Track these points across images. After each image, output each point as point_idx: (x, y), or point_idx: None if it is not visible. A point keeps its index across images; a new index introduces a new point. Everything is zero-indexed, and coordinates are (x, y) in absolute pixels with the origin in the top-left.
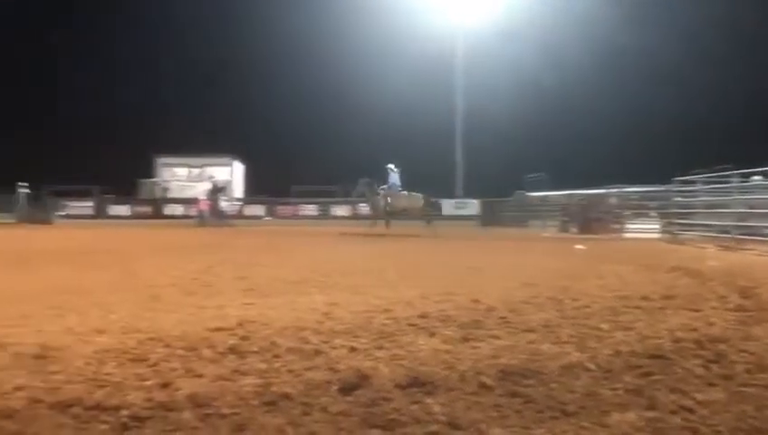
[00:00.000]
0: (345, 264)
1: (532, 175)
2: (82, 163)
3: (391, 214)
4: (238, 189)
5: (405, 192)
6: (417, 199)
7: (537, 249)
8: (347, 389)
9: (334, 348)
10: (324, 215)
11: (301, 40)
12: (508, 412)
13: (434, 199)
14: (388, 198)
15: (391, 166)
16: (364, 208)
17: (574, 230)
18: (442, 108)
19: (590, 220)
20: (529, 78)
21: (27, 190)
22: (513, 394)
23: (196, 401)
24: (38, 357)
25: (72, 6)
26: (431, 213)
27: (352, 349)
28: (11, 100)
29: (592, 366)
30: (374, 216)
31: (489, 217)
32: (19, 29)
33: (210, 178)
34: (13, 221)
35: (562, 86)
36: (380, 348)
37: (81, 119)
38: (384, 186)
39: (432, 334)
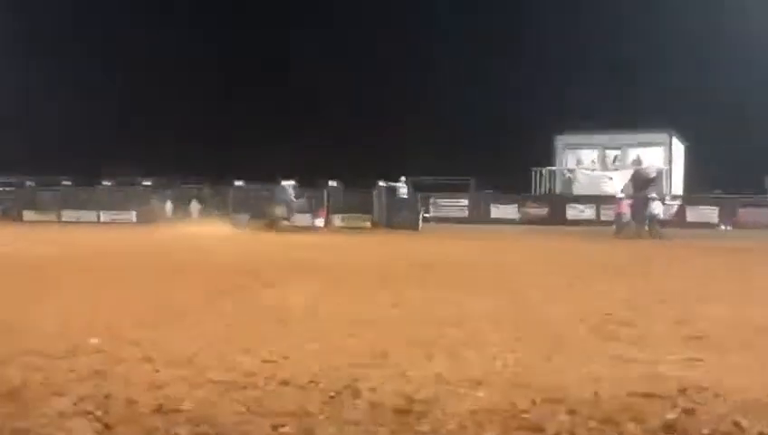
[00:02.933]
0: None
1: None
2: (455, 150)
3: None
4: (677, 181)
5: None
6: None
7: None
8: None
9: None
10: None
11: None
12: None
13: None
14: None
15: (291, 182)
16: None
17: None
18: None
19: None
20: None
21: (400, 185)
22: None
23: None
24: (400, 412)
25: None
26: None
27: None
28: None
29: None
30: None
31: None
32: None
33: (634, 164)
34: (367, 225)
35: None
36: None
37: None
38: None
39: None
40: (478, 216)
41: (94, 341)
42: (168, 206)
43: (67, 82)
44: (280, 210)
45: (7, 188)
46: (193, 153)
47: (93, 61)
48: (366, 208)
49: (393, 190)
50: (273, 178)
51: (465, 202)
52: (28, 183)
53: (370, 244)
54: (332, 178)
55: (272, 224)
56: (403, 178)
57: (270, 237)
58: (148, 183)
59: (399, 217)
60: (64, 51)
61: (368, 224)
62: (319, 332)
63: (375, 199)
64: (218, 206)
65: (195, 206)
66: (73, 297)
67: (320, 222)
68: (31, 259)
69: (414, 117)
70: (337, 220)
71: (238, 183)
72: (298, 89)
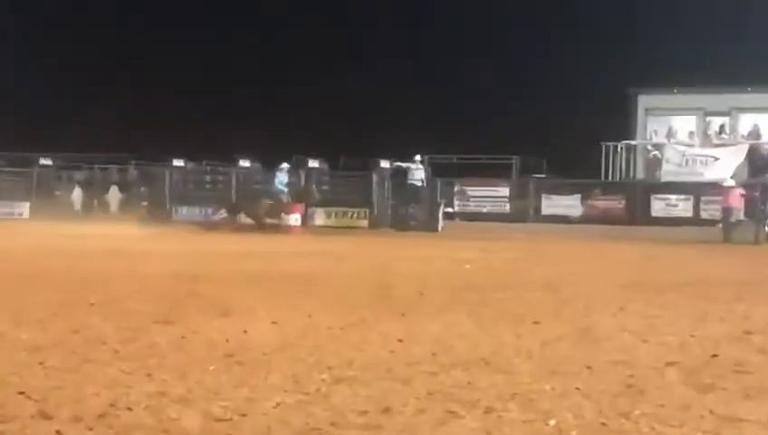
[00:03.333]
0: None
1: None
2: (489, 117)
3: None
4: None
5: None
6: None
7: None
8: None
9: None
10: None
11: None
12: None
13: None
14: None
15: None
16: None
17: None
18: None
19: None
20: None
21: (415, 167)
22: None
23: None
24: None
25: None
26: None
27: None
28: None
29: None
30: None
31: None
32: None
33: (750, 137)
34: (363, 224)
35: None
36: None
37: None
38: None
39: None
40: (524, 211)
41: None
42: (77, 194)
43: None
44: (266, 206)
45: None
46: (113, 121)
47: None
48: (362, 200)
49: (403, 174)
50: (227, 155)
51: (506, 192)
52: None
53: (368, 251)
54: (314, 157)
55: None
56: (419, 158)
57: (222, 243)
58: (48, 162)
59: (410, 213)
60: None
61: (364, 222)
62: (292, 377)
63: (375, 187)
64: (149, 195)
65: (115, 194)
66: None
67: (294, 219)
68: None
69: (431, 70)
70: (320, 217)
71: (178, 163)
72: (264, 27)
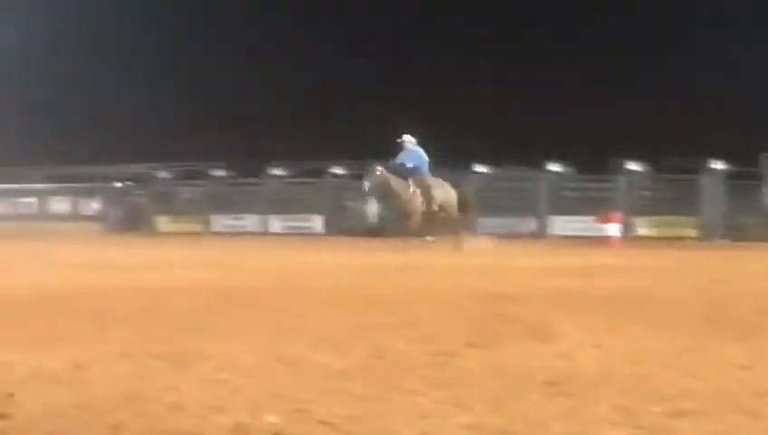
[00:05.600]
0: None
1: None
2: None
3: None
4: None
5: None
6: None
7: None
8: None
9: None
10: None
11: None
12: None
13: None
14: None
15: (410, 138)
16: None
17: None
18: None
19: None
20: None
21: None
22: None
23: None
24: None
25: None
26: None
27: None
28: None
29: None
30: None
31: None
32: None
33: None
34: (690, 233)
35: None
36: None
37: None
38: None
39: None
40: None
41: (272, 419)
42: (372, 206)
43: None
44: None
45: (128, 183)
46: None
47: None
48: (690, 206)
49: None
50: (531, 158)
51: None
52: (162, 174)
53: (698, 265)
54: (632, 159)
55: None
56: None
57: (526, 258)
58: (341, 172)
59: (749, 222)
60: None
61: (692, 232)
62: (622, 408)
63: (706, 191)
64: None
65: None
66: (238, 346)
67: (613, 229)
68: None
69: None
70: (641, 226)
71: (481, 169)
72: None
